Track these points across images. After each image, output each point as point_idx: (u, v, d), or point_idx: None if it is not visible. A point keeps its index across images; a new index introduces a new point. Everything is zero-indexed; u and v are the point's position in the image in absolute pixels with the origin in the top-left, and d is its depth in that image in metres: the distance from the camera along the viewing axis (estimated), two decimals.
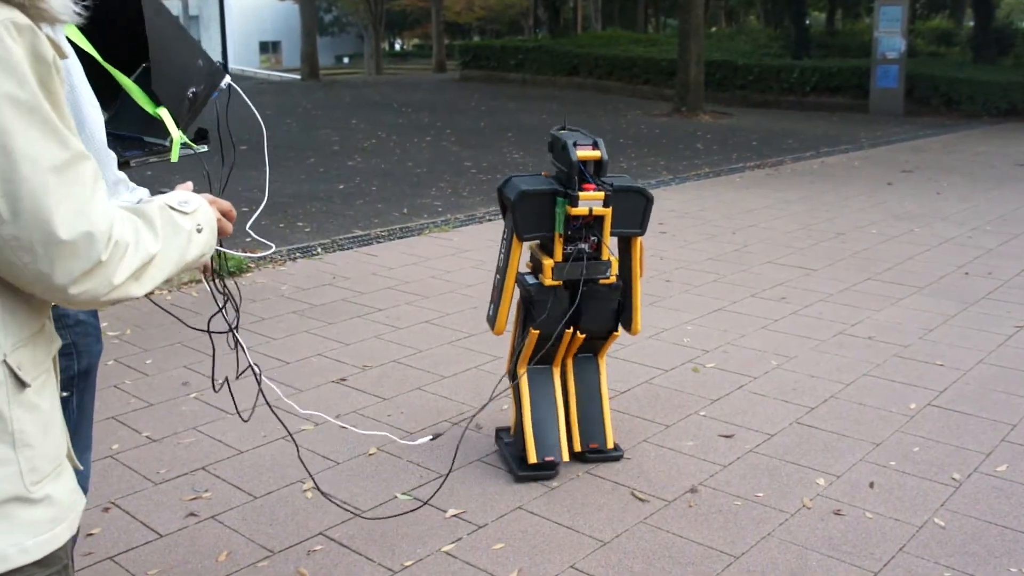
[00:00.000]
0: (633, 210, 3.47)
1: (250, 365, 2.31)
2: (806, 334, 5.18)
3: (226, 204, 1.78)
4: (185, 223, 1.54)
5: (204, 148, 2.36)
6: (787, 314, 5.55)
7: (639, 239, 3.55)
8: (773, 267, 6.68)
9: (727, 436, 3.89)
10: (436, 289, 6.07)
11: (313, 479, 3.37)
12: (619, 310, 3.59)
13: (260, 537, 3.13)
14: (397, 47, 61.16)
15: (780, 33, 26.73)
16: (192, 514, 3.28)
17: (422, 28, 51.08)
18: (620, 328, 3.66)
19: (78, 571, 2.93)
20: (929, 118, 18.21)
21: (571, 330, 3.50)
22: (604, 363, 3.75)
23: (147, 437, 3.88)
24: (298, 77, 29.81)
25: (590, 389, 3.70)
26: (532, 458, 3.49)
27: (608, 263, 3.48)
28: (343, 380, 4.46)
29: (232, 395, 2.48)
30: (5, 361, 1.33)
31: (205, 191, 1.80)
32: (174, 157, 2.27)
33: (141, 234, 1.42)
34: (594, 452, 3.65)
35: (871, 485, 3.46)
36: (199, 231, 1.57)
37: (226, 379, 2.38)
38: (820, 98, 20.44)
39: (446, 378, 4.52)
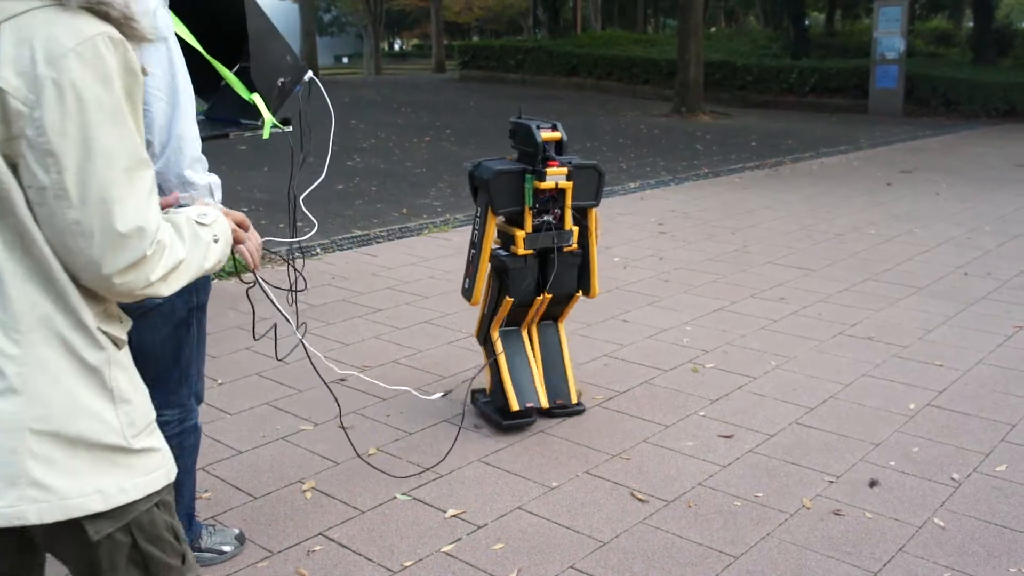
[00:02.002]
0: (588, 184, 3.94)
1: (294, 326, 2.87)
2: (806, 334, 5.18)
3: (239, 215, 1.94)
4: (204, 234, 1.68)
5: (289, 128, 2.87)
6: (787, 314, 5.55)
7: (594, 210, 4.01)
8: (773, 267, 6.68)
9: (727, 436, 3.89)
10: (436, 289, 6.07)
11: (341, 416, 3.37)
12: (579, 275, 4.04)
13: (259, 537, 3.13)
14: (396, 47, 61.20)
15: (779, 34, 26.74)
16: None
17: (421, 28, 51.11)
18: (580, 293, 4.10)
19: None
20: (928, 119, 18.23)
21: (540, 297, 3.95)
22: (563, 328, 4.18)
23: None
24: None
25: (552, 351, 4.13)
26: (515, 406, 3.88)
27: (571, 232, 3.93)
28: (342, 380, 4.46)
29: (275, 340, 3.00)
30: (100, 328, 1.56)
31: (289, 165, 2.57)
32: (265, 134, 2.79)
33: (174, 240, 1.58)
34: (560, 408, 4.05)
35: (871, 485, 3.46)
36: (215, 241, 1.71)
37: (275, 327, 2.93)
38: (819, 99, 20.46)
39: (445, 378, 4.52)
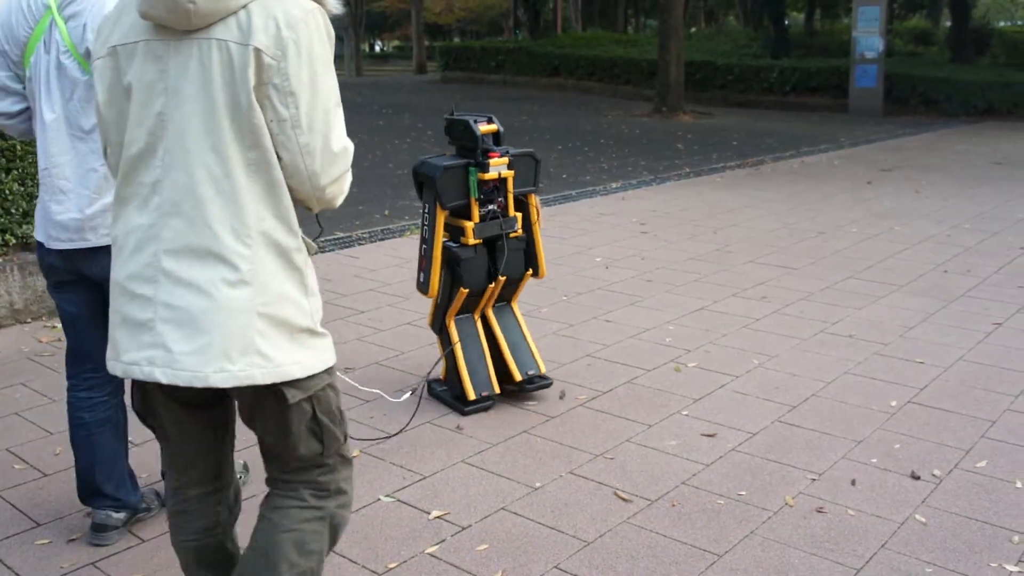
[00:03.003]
0: (527, 171, 4.18)
1: None
2: (788, 333, 5.20)
3: None
4: None
5: None
6: (768, 313, 5.57)
7: (533, 195, 4.25)
8: (754, 266, 6.70)
9: (710, 435, 3.90)
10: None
11: None
12: (526, 259, 4.27)
13: (244, 536, 3.11)
14: (377, 48, 61.05)
15: (759, 33, 26.84)
16: None
17: (402, 29, 51.03)
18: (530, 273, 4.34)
19: None
20: (908, 117, 18.34)
21: (492, 284, 4.14)
22: (517, 306, 4.40)
23: (132, 442, 3.84)
24: None
25: (512, 330, 4.32)
26: (471, 395, 4.10)
27: (515, 218, 4.17)
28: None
29: None
30: (302, 238, 2.09)
31: None
32: None
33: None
34: (531, 380, 4.28)
35: (853, 482, 3.48)
36: None
37: None
38: (800, 98, 20.54)
39: (430, 381, 4.51)
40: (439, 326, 4.23)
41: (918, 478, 3.50)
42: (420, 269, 4.17)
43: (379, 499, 3.38)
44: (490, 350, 4.25)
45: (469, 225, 4.05)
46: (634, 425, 4.01)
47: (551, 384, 4.35)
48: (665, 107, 18.39)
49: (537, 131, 15.16)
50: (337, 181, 2.07)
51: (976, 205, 9.13)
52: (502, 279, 4.14)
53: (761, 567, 2.94)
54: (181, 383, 1.97)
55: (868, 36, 18.96)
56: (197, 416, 2.20)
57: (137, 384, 2.18)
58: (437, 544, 3.08)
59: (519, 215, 4.20)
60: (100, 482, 3.09)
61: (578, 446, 3.80)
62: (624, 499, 3.37)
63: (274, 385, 2.01)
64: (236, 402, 2.17)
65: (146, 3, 1.92)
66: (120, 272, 2.05)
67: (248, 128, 1.94)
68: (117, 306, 2.06)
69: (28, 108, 2.94)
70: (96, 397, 3.08)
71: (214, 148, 1.95)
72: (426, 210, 4.08)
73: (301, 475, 2.18)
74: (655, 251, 7.18)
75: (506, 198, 4.12)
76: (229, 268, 1.96)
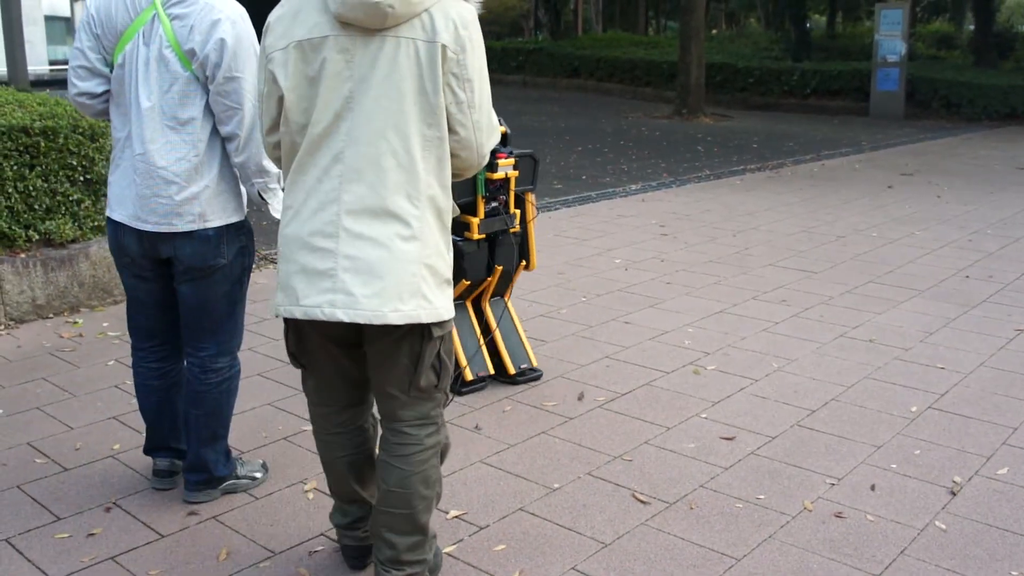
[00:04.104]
0: (527, 171, 4.42)
1: None
2: (807, 337, 5.18)
3: None
4: None
5: None
6: (788, 317, 5.55)
7: (530, 193, 4.45)
8: (774, 269, 6.68)
9: (728, 438, 3.89)
10: None
11: None
12: (519, 252, 4.48)
13: (261, 537, 3.13)
14: None
15: (780, 36, 26.73)
16: (193, 513, 3.28)
17: None
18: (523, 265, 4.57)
19: (77, 572, 2.93)
20: (930, 121, 18.24)
21: (490, 276, 4.36)
22: (510, 301, 4.62)
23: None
24: None
25: (506, 325, 4.55)
26: (469, 376, 4.31)
27: (515, 215, 4.36)
28: None
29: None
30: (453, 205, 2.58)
31: None
32: None
33: None
34: (523, 372, 4.47)
35: (872, 488, 3.47)
36: None
37: None
38: (820, 101, 20.47)
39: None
40: None
41: (955, 494, 3.48)
42: None
43: None
44: (486, 343, 4.45)
45: (475, 221, 4.19)
46: (652, 427, 4.00)
47: (541, 375, 4.54)
48: (685, 109, 18.36)
49: (557, 132, 15.15)
50: (488, 153, 2.57)
51: (998, 210, 9.07)
52: (499, 269, 4.33)
53: (779, 571, 2.93)
54: (362, 320, 2.40)
55: (890, 39, 18.87)
56: (348, 352, 2.66)
57: (293, 329, 2.65)
58: (455, 544, 3.09)
59: (517, 212, 4.38)
60: (167, 437, 3.42)
61: (596, 447, 3.80)
62: (642, 501, 3.37)
63: (427, 324, 2.50)
64: (371, 342, 2.57)
65: (344, 7, 2.33)
66: (301, 229, 2.46)
67: (430, 110, 2.41)
68: (295, 258, 2.47)
69: (109, 91, 3.12)
70: (164, 367, 3.37)
71: (396, 127, 2.40)
72: None
73: (416, 409, 2.62)
74: (675, 253, 7.17)
75: (508, 196, 4.29)
76: (403, 225, 2.43)
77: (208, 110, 3.02)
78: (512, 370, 4.44)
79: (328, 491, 3.24)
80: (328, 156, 2.42)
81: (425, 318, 2.45)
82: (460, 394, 4.25)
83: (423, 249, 2.45)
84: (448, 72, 2.39)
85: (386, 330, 2.49)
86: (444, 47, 2.37)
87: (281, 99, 2.47)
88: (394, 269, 2.41)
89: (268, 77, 2.47)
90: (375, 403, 2.76)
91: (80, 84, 3.12)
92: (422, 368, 2.56)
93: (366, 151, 2.40)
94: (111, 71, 3.08)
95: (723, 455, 3.74)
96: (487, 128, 2.52)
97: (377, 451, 2.76)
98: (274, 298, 2.57)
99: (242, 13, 3.01)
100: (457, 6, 2.42)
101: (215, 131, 3.06)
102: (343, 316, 2.40)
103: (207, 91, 3.00)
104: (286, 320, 2.62)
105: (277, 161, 2.66)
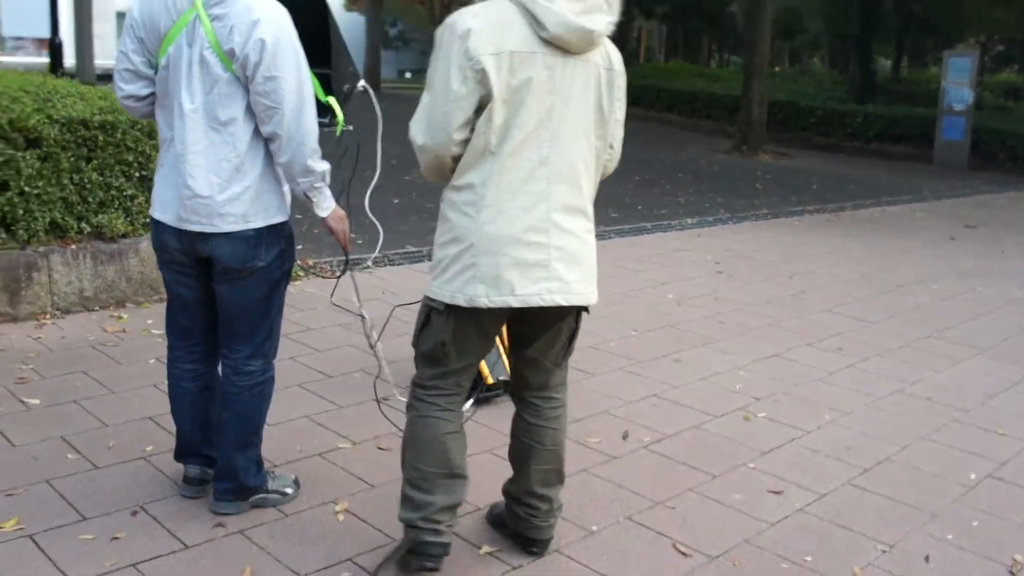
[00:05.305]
0: None
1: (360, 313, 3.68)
2: (862, 389, 5.00)
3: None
4: None
5: (350, 127, 3.37)
6: (843, 367, 5.37)
7: None
8: (831, 316, 6.50)
9: (776, 492, 3.73)
10: None
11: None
12: None
13: (286, 557, 3.04)
14: None
15: (844, 77, 26.44)
16: (219, 525, 3.19)
17: None
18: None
19: None
20: (995, 173, 17.83)
21: None
22: None
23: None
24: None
25: None
26: (490, 380, 4.38)
27: None
28: (385, 399, 4.36)
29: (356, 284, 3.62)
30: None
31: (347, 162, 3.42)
32: (338, 132, 3.34)
33: None
34: (497, 385, 4.45)
35: (927, 559, 3.29)
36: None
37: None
38: (883, 145, 20.12)
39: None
40: None
41: (1014, 574, 3.29)
42: None
43: None
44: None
45: None
46: (698, 474, 3.85)
47: (502, 392, 4.44)
48: (746, 145, 18.14)
49: None
50: None
51: None
52: None
53: None
54: (576, 302, 2.82)
55: (958, 87, 18.50)
56: (495, 335, 2.98)
57: (455, 319, 2.81)
58: None
59: None
60: (198, 443, 3.36)
61: (638, 491, 3.66)
62: (683, 553, 3.22)
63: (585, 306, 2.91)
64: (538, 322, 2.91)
65: (564, 30, 2.66)
66: (510, 227, 2.72)
67: (603, 123, 2.85)
68: (505, 252, 2.71)
69: (154, 93, 3.11)
70: (199, 369, 3.32)
71: (585, 136, 2.80)
72: None
73: (561, 376, 3.10)
74: (729, 292, 7.01)
75: None
76: (587, 220, 2.87)
77: (249, 110, 2.99)
78: (491, 380, 4.44)
79: (360, 515, 3.15)
80: (533, 160, 2.72)
81: (592, 300, 2.88)
82: (478, 401, 4.16)
83: (593, 240, 2.90)
84: (615, 98, 2.87)
85: (562, 312, 2.87)
86: (619, 74, 2.88)
87: (480, 100, 2.66)
88: (589, 257, 2.85)
89: (474, 78, 2.64)
90: (515, 376, 3.11)
91: (125, 87, 3.12)
92: (574, 342, 3.05)
93: (568, 156, 2.77)
94: (155, 73, 3.06)
95: (770, 510, 3.59)
96: (622, 140, 3.02)
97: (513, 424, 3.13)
98: (463, 290, 2.75)
99: (283, 13, 2.96)
100: (612, 45, 2.88)
101: (257, 131, 3.02)
102: (561, 300, 2.77)
103: (248, 92, 2.96)
104: (446, 310, 2.81)
105: (456, 158, 2.78)
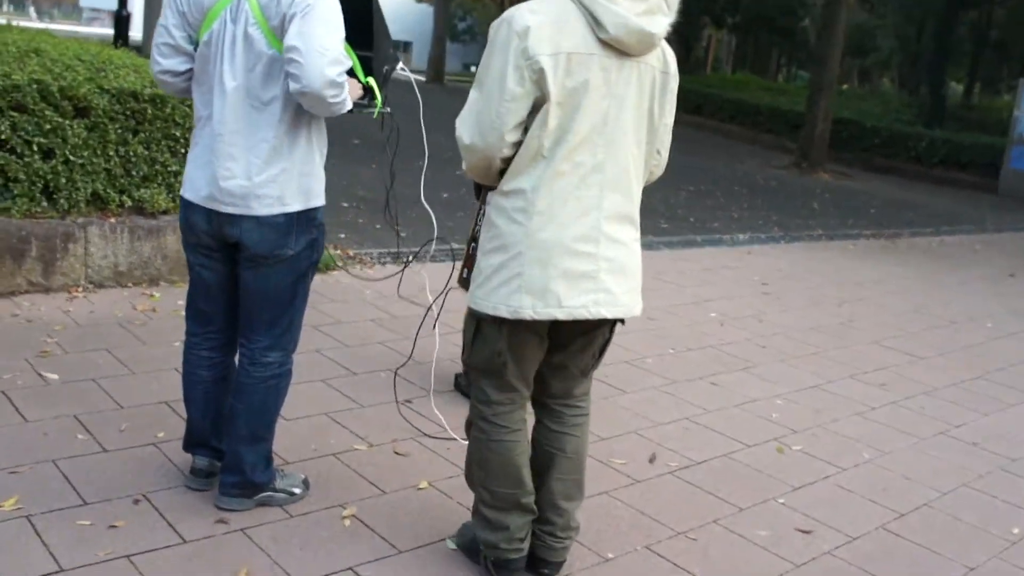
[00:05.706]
0: None
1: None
2: (905, 428, 4.79)
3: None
4: None
5: (388, 110, 3.33)
6: (886, 403, 5.16)
7: None
8: (878, 348, 6.27)
9: (805, 531, 3.56)
10: None
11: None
12: None
13: (286, 560, 2.93)
14: None
15: (914, 100, 25.90)
16: (221, 521, 3.10)
17: None
18: None
19: (90, 566, 2.76)
20: None
21: None
22: None
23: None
24: (422, 79, 30.02)
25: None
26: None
27: None
28: (408, 402, 4.25)
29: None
30: None
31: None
32: (376, 115, 3.27)
33: None
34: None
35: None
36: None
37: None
38: (947, 172, 19.67)
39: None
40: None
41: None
42: (464, 266, 4.36)
43: (444, 540, 3.15)
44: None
45: None
46: (724, 505, 3.69)
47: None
48: (806, 162, 17.83)
49: (669, 167, 14.65)
50: None
51: None
52: None
53: None
54: (621, 315, 2.74)
55: None
56: (544, 344, 2.82)
57: (510, 331, 2.72)
58: None
59: None
60: (209, 434, 3.26)
61: (660, 519, 3.50)
62: None
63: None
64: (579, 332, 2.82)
65: (624, 32, 2.55)
66: (562, 234, 2.63)
67: (653, 128, 2.77)
68: (555, 262, 2.63)
69: (191, 69, 3.02)
70: (215, 357, 3.23)
71: (637, 142, 2.72)
72: (481, 212, 4.07)
73: (586, 385, 3.01)
74: (774, 314, 6.80)
75: None
76: (635, 228, 2.78)
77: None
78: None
79: (367, 522, 3.04)
80: (587, 165, 2.63)
81: (637, 311, 2.81)
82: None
83: (637, 257, 2.80)
84: (667, 101, 2.79)
85: (601, 321, 2.76)
86: (673, 77, 2.77)
87: (535, 101, 2.57)
88: (635, 267, 2.78)
89: (531, 78, 2.54)
90: (538, 383, 2.94)
91: (163, 62, 3.03)
92: (605, 352, 2.95)
93: (621, 162, 2.69)
94: (195, 49, 2.97)
95: (797, 550, 3.41)
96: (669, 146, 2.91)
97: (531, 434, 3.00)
98: (507, 301, 2.66)
99: None
100: (668, 47, 2.75)
101: (297, 112, 2.92)
102: (607, 313, 2.69)
103: None
104: (500, 321, 2.71)
105: (506, 160, 2.67)
